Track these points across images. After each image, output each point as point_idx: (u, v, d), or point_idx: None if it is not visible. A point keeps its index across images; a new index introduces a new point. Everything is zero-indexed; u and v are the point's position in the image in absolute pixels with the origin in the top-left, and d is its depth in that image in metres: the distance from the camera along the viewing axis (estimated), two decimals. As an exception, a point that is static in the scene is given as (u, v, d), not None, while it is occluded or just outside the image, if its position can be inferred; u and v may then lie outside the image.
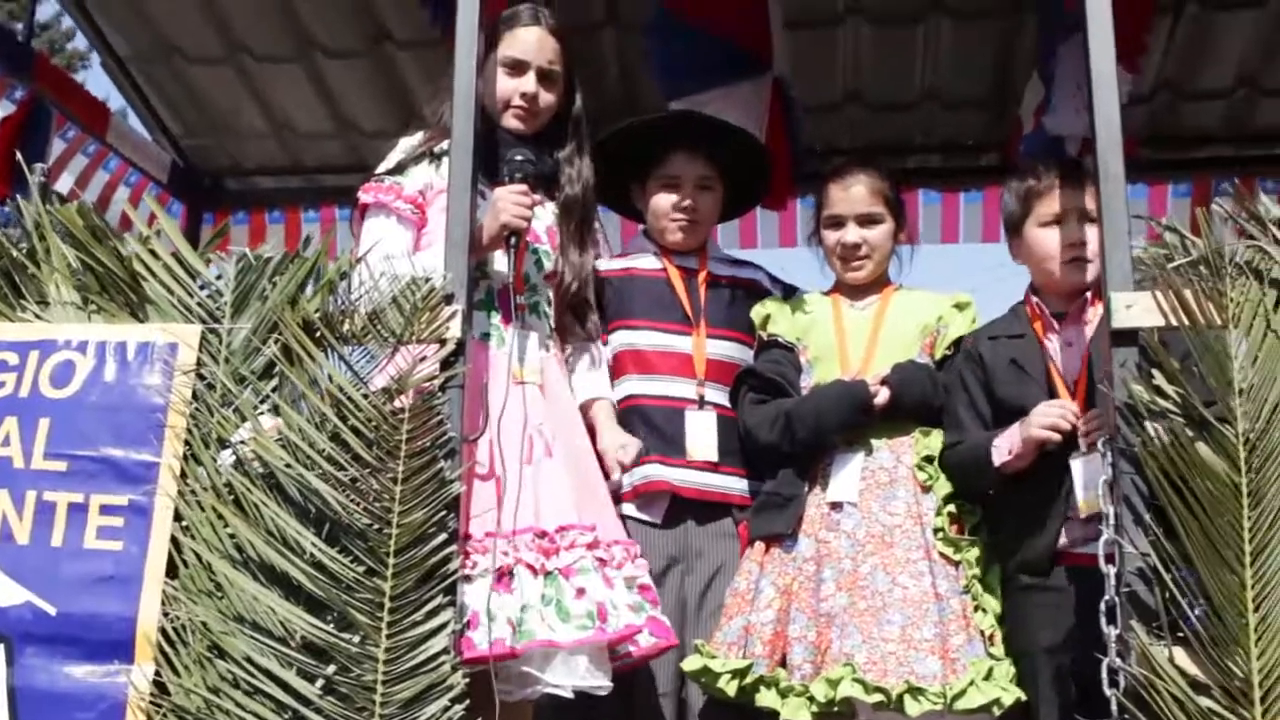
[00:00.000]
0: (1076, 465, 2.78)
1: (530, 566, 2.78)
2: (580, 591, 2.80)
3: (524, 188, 2.95)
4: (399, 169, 3.08)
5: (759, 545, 3.16)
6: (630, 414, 3.31)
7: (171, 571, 2.54)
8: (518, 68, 3.13)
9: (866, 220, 3.29)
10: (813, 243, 3.44)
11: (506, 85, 3.12)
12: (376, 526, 2.50)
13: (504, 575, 2.75)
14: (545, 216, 3.13)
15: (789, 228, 5.43)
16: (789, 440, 3.15)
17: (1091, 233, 2.97)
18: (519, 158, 3.00)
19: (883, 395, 3.09)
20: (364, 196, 3.09)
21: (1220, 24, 4.56)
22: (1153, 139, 5.03)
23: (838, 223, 3.31)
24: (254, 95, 5.21)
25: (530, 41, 3.14)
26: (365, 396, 2.54)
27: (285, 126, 5.40)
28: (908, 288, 3.38)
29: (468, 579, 2.71)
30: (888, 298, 3.32)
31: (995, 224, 5.37)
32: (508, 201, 2.92)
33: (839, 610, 2.95)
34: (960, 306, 3.27)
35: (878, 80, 4.98)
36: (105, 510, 2.59)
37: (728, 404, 3.34)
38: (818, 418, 3.12)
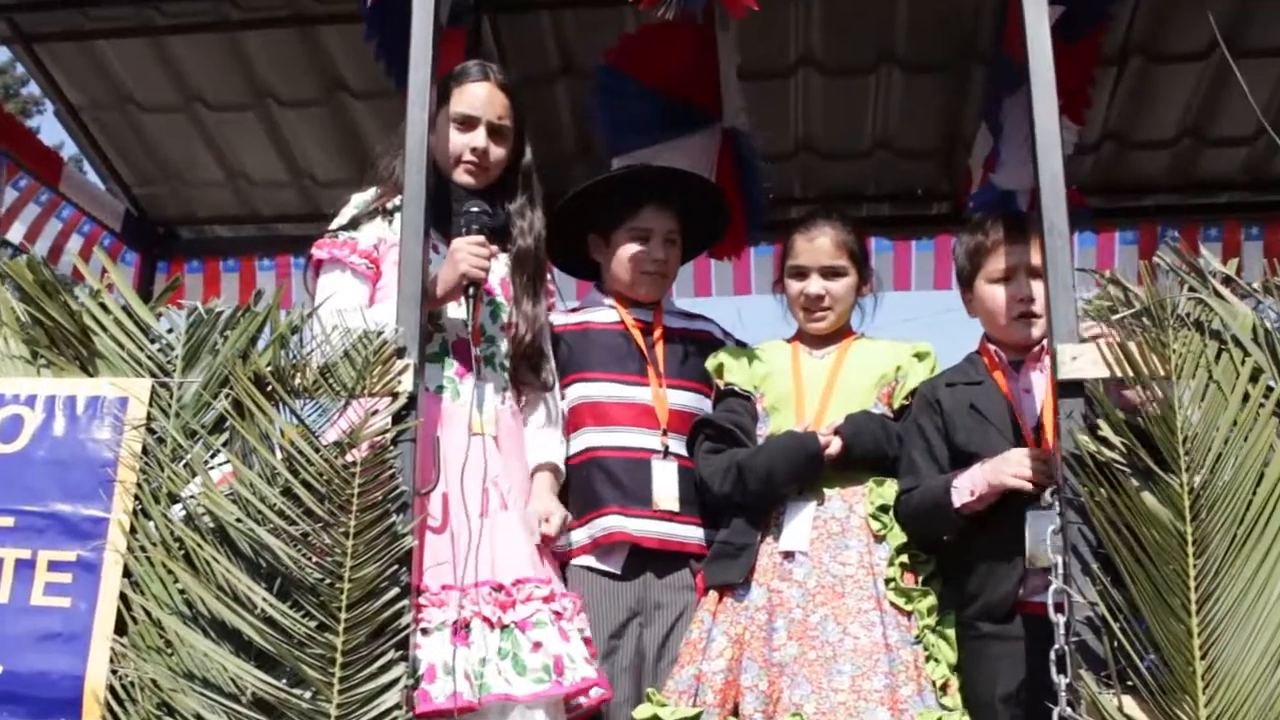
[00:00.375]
0: (1032, 519, 2.80)
1: (487, 619, 2.78)
2: (537, 645, 2.81)
3: (481, 238, 2.98)
4: (353, 224, 3.09)
5: (712, 594, 3.17)
6: (590, 466, 3.31)
7: (120, 628, 2.53)
8: (468, 123, 3.16)
9: (830, 272, 3.32)
10: (776, 291, 3.47)
11: (457, 140, 3.14)
12: (328, 581, 2.49)
13: (461, 628, 2.75)
14: (499, 269, 3.15)
15: (743, 276, 5.46)
16: (741, 491, 3.16)
17: (1039, 288, 3.01)
18: (474, 209, 3.03)
19: (834, 445, 3.11)
20: (318, 252, 3.09)
21: (1163, 76, 4.63)
22: (1099, 188, 5.10)
23: (801, 273, 3.35)
24: (209, 144, 5.19)
25: (480, 97, 3.18)
26: (317, 450, 2.54)
27: (240, 175, 5.38)
28: (869, 337, 3.41)
29: (424, 631, 2.70)
30: (847, 347, 3.34)
31: (946, 271, 5.43)
32: (466, 252, 2.94)
33: (789, 660, 2.95)
34: (920, 356, 3.29)
35: (829, 130, 5.03)
36: (53, 566, 2.57)
37: (685, 454, 3.35)
38: (769, 469, 3.14)
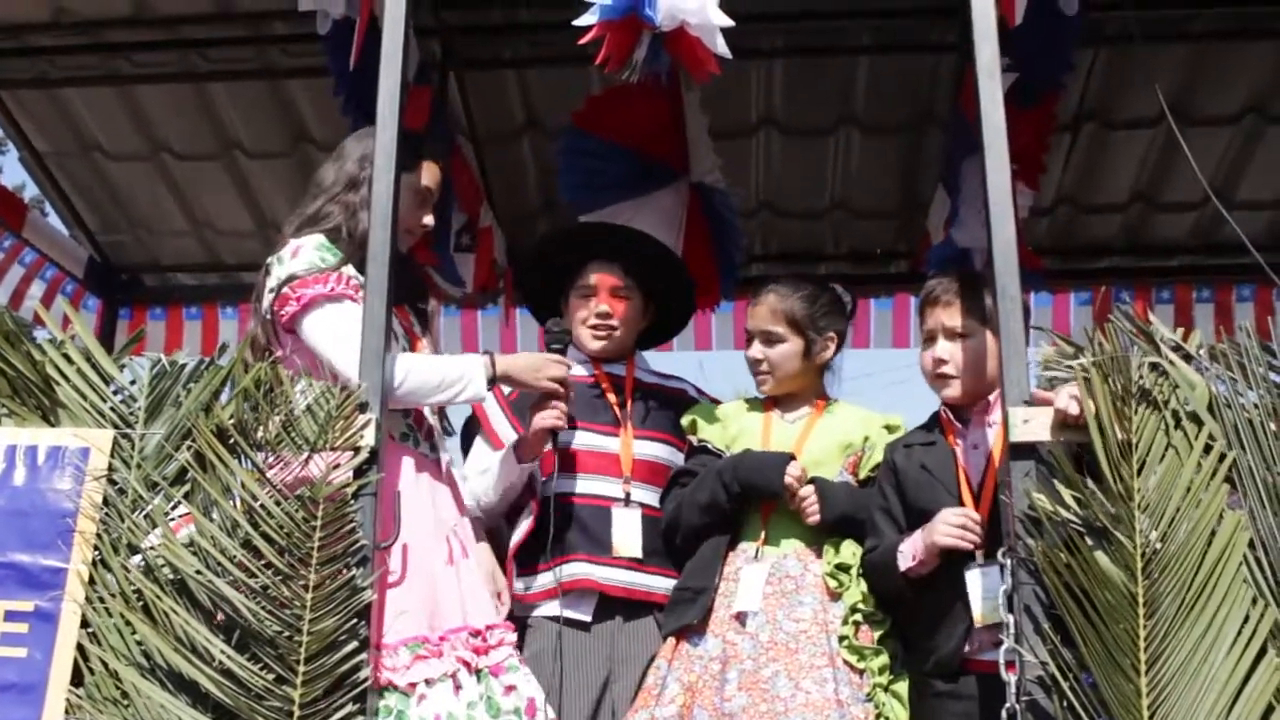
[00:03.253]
0: (972, 577, 2.85)
1: (466, 665, 2.79)
2: (509, 688, 2.83)
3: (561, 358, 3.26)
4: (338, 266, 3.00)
5: (669, 641, 3.17)
6: (558, 511, 3.31)
7: (77, 679, 2.52)
8: (429, 196, 3.18)
9: (767, 338, 3.36)
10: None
11: (413, 213, 3.13)
12: (287, 634, 2.50)
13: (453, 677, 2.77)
14: (416, 327, 3.17)
15: (704, 331, 5.51)
16: (702, 487, 3.22)
17: (952, 349, 3.09)
18: (556, 329, 3.31)
19: (810, 496, 3.14)
20: (313, 290, 2.90)
21: (1116, 142, 4.74)
22: (1054, 250, 5.20)
23: (749, 338, 3.40)
24: (174, 192, 5.21)
25: (435, 173, 3.20)
26: (278, 503, 2.55)
27: (205, 224, 5.40)
28: (845, 403, 3.43)
29: (428, 682, 2.71)
30: (817, 414, 3.37)
31: (905, 330, 5.50)
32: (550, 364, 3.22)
33: (738, 710, 2.97)
34: (891, 429, 3.30)
35: (789, 189, 5.10)
36: (10, 616, 2.56)
37: (654, 504, 3.36)
38: (745, 467, 3.19)
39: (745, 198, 5.03)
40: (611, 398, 3.46)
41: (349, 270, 2.98)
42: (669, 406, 3.52)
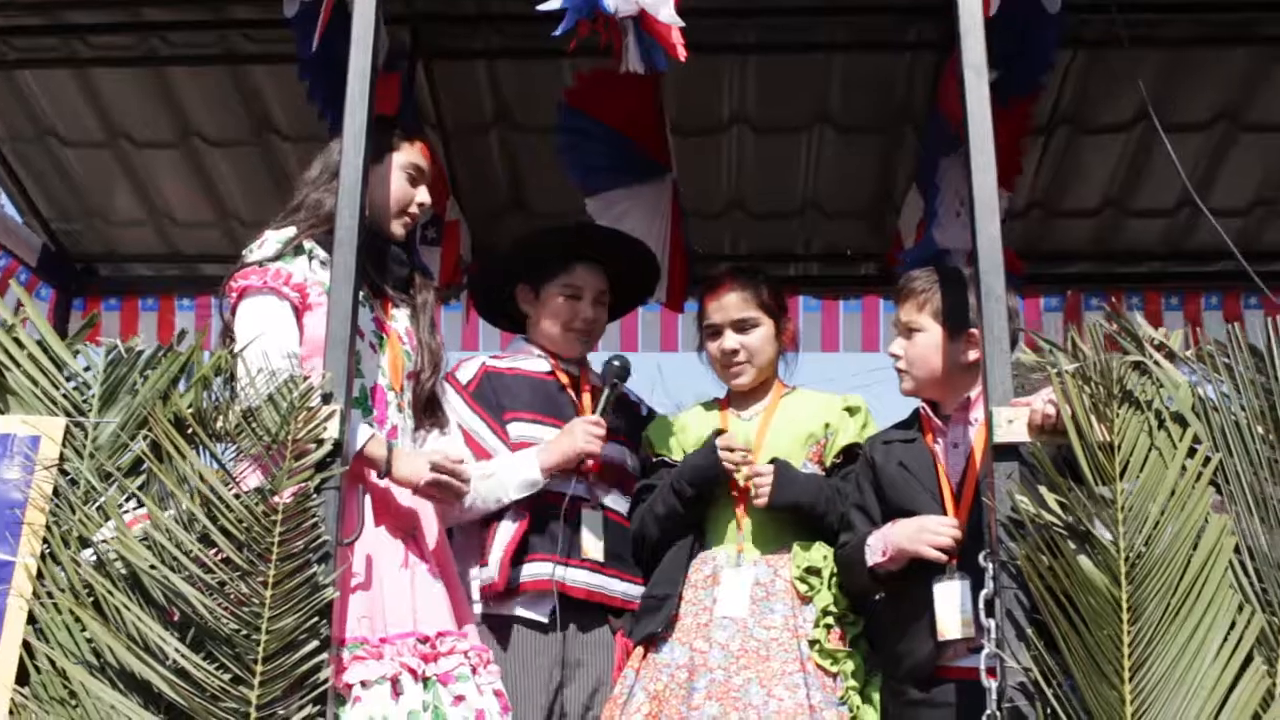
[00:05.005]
0: (940, 590, 2.81)
1: (412, 672, 2.72)
2: (458, 698, 2.77)
3: (599, 421, 3.28)
4: (278, 258, 2.95)
5: (638, 651, 3.16)
6: (531, 504, 3.28)
7: (22, 678, 2.43)
8: (420, 175, 3.14)
9: (741, 326, 3.33)
10: (701, 356, 3.48)
11: (407, 191, 3.11)
12: (244, 632, 2.43)
13: (392, 681, 2.70)
14: (402, 319, 3.10)
15: (670, 333, 5.45)
16: (657, 500, 3.23)
17: (903, 345, 3.10)
18: (617, 362, 3.37)
19: (765, 475, 3.10)
20: (247, 280, 2.90)
21: (1088, 147, 4.72)
22: (1025, 254, 5.15)
23: (716, 332, 3.36)
24: (132, 180, 5.09)
25: (424, 151, 3.17)
26: (237, 497, 2.46)
27: (163, 213, 5.28)
28: (800, 389, 3.40)
29: (363, 684, 2.64)
30: (773, 407, 3.34)
31: (874, 332, 5.46)
32: (583, 431, 3.24)
33: (708, 719, 2.92)
34: (851, 410, 3.29)
35: (760, 188, 5.05)
36: (-47, 612, 2.46)
37: (614, 506, 3.35)
38: (679, 470, 3.21)
39: (715, 197, 5.00)
40: (572, 395, 3.44)
41: (300, 266, 2.93)
42: (618, 407, 3.50)
